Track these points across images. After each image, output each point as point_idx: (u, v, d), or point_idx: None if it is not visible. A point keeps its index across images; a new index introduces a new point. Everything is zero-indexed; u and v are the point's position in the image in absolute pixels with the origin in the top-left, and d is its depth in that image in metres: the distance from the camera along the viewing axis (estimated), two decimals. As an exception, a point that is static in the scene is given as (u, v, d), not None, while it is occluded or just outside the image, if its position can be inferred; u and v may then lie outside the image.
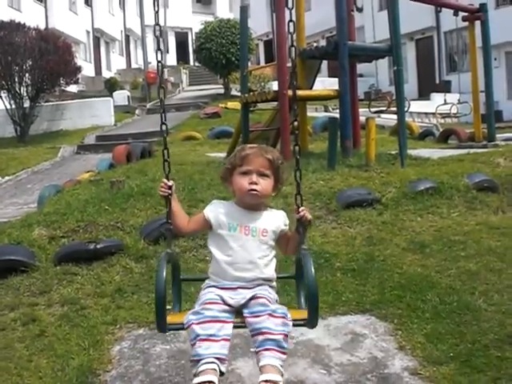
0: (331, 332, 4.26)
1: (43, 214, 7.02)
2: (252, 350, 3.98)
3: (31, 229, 6.45)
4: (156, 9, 3.00)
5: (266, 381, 2.51)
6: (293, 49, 3.19)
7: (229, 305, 2.69)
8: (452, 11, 12.79)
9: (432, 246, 5.81)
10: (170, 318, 2.77)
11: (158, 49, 3.00)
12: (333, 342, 4.11)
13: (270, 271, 2.83)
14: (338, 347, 4.03)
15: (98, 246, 5.78)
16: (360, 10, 31.05)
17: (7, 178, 14.53)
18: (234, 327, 2.70)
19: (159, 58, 3.00)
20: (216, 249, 2.82)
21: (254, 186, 2.75)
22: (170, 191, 2.89)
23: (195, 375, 2.53)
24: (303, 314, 2.78)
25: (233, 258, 2.76)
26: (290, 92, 9.06)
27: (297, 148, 3.00)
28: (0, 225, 7.40)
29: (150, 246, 5.92)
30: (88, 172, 11.52)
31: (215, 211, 2.86)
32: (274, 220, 2.86)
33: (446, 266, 5.31)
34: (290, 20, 3.13)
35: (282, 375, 2.59)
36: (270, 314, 2.61)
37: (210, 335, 2.55)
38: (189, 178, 7.87)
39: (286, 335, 2.61)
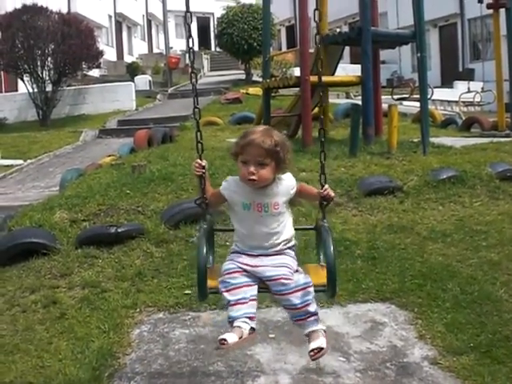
0: (351, 320, 4.25)
1: (65, 198, 7.06)
2: (271, 335, 4.02)
3: (53, 212, 6.49)
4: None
5: (312, 350, 2.77)
6: (317, 36, 3.27)
7: (248, 273, 2.87)
8: (477, -2, 12.61)
9: (453, 236, 5.76)
10: (209, 283, 2.92)
11: (190, 36, 3.10)
12: (352, 329, 4.10)
13: (287, 234, 2.98)
14: (357, 335, 4.02)
15: (119, 230, 5.81)
16: (384, -5, 30.67)
17: (29, 161, 14.63)
18: (264, 291, 2.86)
19: (190, 45, 3.12)
20: (236, 222, 3.03)
21: (251, 177, 2.86)
22: (203, 170, 3.05)
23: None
24: (322, 277, 2.91)
25: (251, 232, 2.95)
26: (312, 78, 9.01)
27: (322, 131, 3.14)
28: (22, 208, 7.46)
29: (170, 231, 5.93)
30: (109, 156, 11.55)
31: (229, 189, 3.01)
32: (283, 189, 2.97)
33: (468, 255, 5.27)
34: (316, 8, 3.17)
35: (325, 331, 2.84)
36: (292, 292, 2.79)
37: (239, 299, 2.77)
38: (210, 163, 7.73)
39: (310, 303, 2.80)
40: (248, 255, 2.94)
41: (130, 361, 3.82)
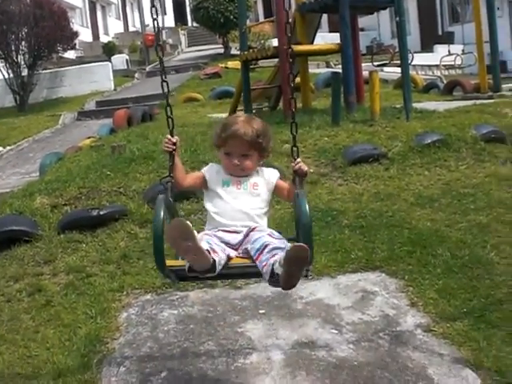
0: (341, 291, 4.19)
1: (44, 183, 6.92)
2: (261, 311, 3.96)
3: (33, 198, 6.36)
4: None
5: (288, 251, 2.46)
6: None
7: (228, 244, 2.74)
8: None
9: (441, 200, 5.71)
10: (170, 262, 2.74)
11: (153, 5, 2.94)
12: (343, 300, 4.04)
13: (264, 223, 2.89)
14: (348, 306, 3.97)
15: (102, 213, 5.69)
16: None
17: (8, 147, 14.43)
18: (238, 267, 2.72)
19: (154, 16, 2.94)
20: (210, 203, 2.91)
21: (236, 167, 2.87)
22: (174, 147, 2.92)
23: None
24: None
25: (226, 208, 2.84)
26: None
27: (292, 101, 3.01)
28: (2, 195, 7.33)
29: (153, 211, 5.82)
30: (89, 138, 11.39)
31: (212, 170, 2.97)
32: (265, 176, 2.95)
33: (456, 219, 5.21)
34: None
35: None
36: (270, 235, 2.71)
37: (208, 242, 2.62)
38: (191, 139, 7.73)
39: (281, 240, 2.70)
40: (223, 231, 2.80)
41: (118, 345, 3.74)
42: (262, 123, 2.96)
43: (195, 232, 2.51)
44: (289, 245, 2.62)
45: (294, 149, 2.90)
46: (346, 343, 3.51)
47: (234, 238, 2.77)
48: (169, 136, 2.94)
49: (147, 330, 3.92)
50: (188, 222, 2.48)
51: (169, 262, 2.73)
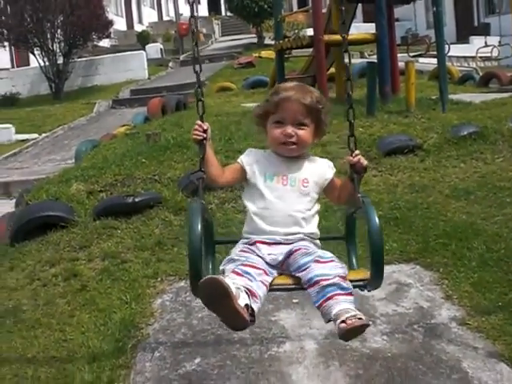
0: (375, 282, 4.17)
1: (80, 169, 7.01)
2: (295, 300, 3.96)
3: (69, 184, 6.45)
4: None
5: (345, 319, 2.10)
6: None
7: (267, 262, 2.32)
8: None
9: (477, 193, 5.64)
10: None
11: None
12: (377, 292, 3.98)
13: (312, 227, 2.45)
14: (382, 297, 3.95)
15: (137, 200, 5.75)
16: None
17: (44, 134, 14.65)
18: (280, 289, 2.43)
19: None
20: (250, 202, 2.47)
21: (289, 139, 2.41)
22: (204, 135, 2.46)
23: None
24: (361, 273, 2.39)
25: (268, 211, 2.40)
26: (325, 37, 8.83)
27: (349, 83, 2.58)
28: (38, 181, 7.44)
29: (188, 198, 5.86)
30: (124, 126, 11.50)
31: (250, 159, 2.51)
32: (317, 169, 2.50)
33: (492, 212, 5.15)
34: None
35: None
36: (317, 261, 2.23)
37: (247, 272, 2.19)
38: (225, 128, 7.76)
39: (344, 277, 2.20)
40: (262, 243, 2.38)
41: (153, 331, 3.79)
42: (319, 93, 2.53)
43: (232, 288, 2.06)
44: (344, 268, 2.24)
45: (351, 139, 2.50)
46: (380, 334, 3.51)
47: (274, 259, 2.32)
48: (199, 122, 2.48)
49: (181, 316, 3.96)
50: (224, 280, 2.07)
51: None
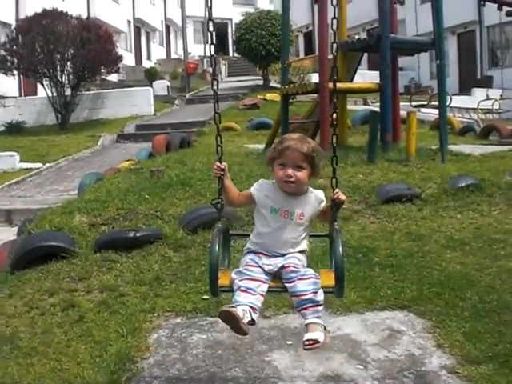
0: (369, 327, 4.24)
1: (84, 201, 7.11)
2: (289, 342, 4.02)
3: (72, 215, 6.55)
4: (209, 5, 3.19)
5: (308, 339, 2.88)
6: (335, 45, 3.35)
7: (265, 271, 3.04)
8: (495, 5, 12.55)
9: (472, 244, 5.73)
10: (220, 281, 3.06)
11: (212, 43, 3.22)
12: (370, 337, 4.09)
13: (302, 246, 3.15)
14: (375, 343, 4.01)
15: (138, 235, 5.85)
16: (402, 2, 30.80)
17: (48, 164, 14.77)
18: (271, 291, 3.03)
19: (212, 52, 3.24)
20: (258, 223, 3.17)
21: (289, 179, 3.01)
22: (222, 173, 3.18)
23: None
24: (331, 279, 3.02)
25: (271, 235, 3.10)
26: (330, 84, 9.01)
27: (334, 137, 3.21)
28: (41, 211, 7.53)
29: (188, 236, 5.96)
30: (128, 161, 11.65)
31: (260, 192, 3.15)
32: (312, 204, 3.14)
33: (486, 264, 5.23)
34: (334, 17, 3.25)
35: (325, 328, 2.94)
36: (300, 278, 2.95)
37: (249, 288, 2.94)
38: (227, 168, 7.85)
39: (316, 292, 2.93)
40: (262, 254, 3.10)
41: (147, 365, 3.84)
42: (316, 143, 3.16)
43: (240, 315, 2.82)
44: (318, 283, 2.96)
45: (334, 180, 3.13)
46: (371, 379, 3.56)
47: (271, 269, 3.05)
48: (218, 163, 3.19)
49: (176, 352, 4.01)
50: (236, 312, 2.82)
51: (220, 282, 3.06)
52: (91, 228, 6.27)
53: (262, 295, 2.98)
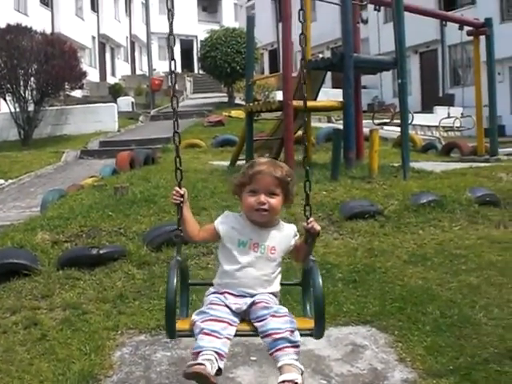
0: (332, 343, 4.27)
1: (46, 218, 7.04)
2: (253, 358, 4.03)
3: (34, 232, 6.48)
4: (170, 20, 2.97)
5: (284, 381, 2.49)
6: (302, 61, 3.24)
7: (232, 310, 2.71)
8: (457, 25, 12.85)
9: (433, 259, 5.83)
10: (179, 325, 2.74)
11: (172, 58, 2.97)
12: (333, 352, 4.12)
13: (275, 287, 2.84)
14: (338, 358, 4.05)
15: (101, 252, 5.81)
16: (365, 22, 31.27)
17: (10, 181, 14.56)
18: (239, 335, 2.72)
19: (173, 68, 2.97)
20: (224, 261, 2.83)
21: (262, 206, 2.75)
22: (182, 199, 2.87)
23: (191, 365, 2.50)
24: (309, 323, 2.76)
25: (239, 273, 2.77)
26: (294, 102, 9.11)
27: (306, 159, 3.00)
28: (3, 228, 7.43)
29: (152, 253, 5.94)
30: (91, 177, 11.54)
31: (226, 224, 2.85)
32: (284, 237, 2.86)
33: (447, 279, 5.33)
34: (302, 33, 3.09)
35: (302, 372, 2.57)
36: (273, 315, 2.63)
37: (214, 331, 2.57)
38: (192, 185, 7.89)
39: (293, 331, 2.60)
40: (230, 294, 2.77)
41: (111, 383, 3.81)
42: (288, 167, 2.90)
43: (209, 371, 2.46)
44: (294, 323, 2.62)
45: (307, 207, 2.88)
46: (334, 394, 3.59)
47: (238, 309, 2.71)
48: (177, 188, 2.89)
49: (140, 369, 3.99)
50: (205, 371, 2.45)
51: (178, 326, 2.73)
52: (54, 245, 6.21)
53: (229, 339, 2.61)
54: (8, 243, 6.27)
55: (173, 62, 2.97)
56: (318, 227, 2.85)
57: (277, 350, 2.56)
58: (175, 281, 2.70)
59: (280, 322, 2.61)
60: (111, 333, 4.53)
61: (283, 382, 2.49)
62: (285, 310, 2.69)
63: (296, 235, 2.90)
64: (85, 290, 5.36)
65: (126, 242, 6.21)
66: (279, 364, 2.54)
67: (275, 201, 2.77)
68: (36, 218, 7.37)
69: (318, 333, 2.74)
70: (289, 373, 2.51)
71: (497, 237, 6.51)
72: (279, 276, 2.88)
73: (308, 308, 2.95)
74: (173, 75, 2.99)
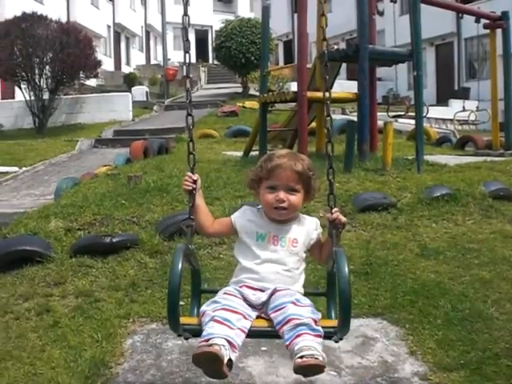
0: (343, 334, 4.27)
1: (60, 206, 7.08)
2: (263, 348, 4.04)
3: (48, 220, 6.52)
4: (184, 12, 2.90)
5: (302, 356, 2.25)
6: (324, 54, 3.06)
7: (249, 303, 2.50)
8: (473, 18, 12.74)
9: (446, 253, 5.80)
10: (183, 319, 2.56)
11: (186, 52, 2.89)
12: (344, 344, 4.10)
13: (298, 286, 2.63)
14: (348, 350, 4.04)
15: (114, 240, 5.83)
16: (381, 13, 31.08)
17: (24, 168, 14.65)
18: (254, 333, 2.49)
19: (187, 60, 2.88)
20: (242, 257, 2.64)
21: (281, 204, 2.56)
22: (194, 185, 2.70)
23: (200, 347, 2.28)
24: (332, 322, 2.58)
25: (260, 268, 2.58)
26: (309, 93, 9.09)
27: (329, 145, 2.85)
28: (17, 215, 7.47)
29: (164, 242, 5.96)
30: (105, 166, 11.59)
31: (243, 218, 2.69)
32: (305, 229, 2.68)
33: (460, 273, 5.30)
34: (321, 26, 2.99)
35: (323, 357, 2.33)
36: (294, 303, 2.41)
37: (226, 320, 2.33)
38: (205, 175, 7.89)
39: (316, 321, 2.39)
40: (248, 287, 2.57)
41: (122, 370, 3.83)
42: (309, 160, 2.71)
43: (223, 357, 2.23)
44: (318, 314, 2.42)
45: (331, 196, 2.70)
46: (344, 386, 3.60)
47: (258, 298, 2.50)
48: (189, 173, 2.73)
49: (151, 357, 4.01)
50: (218, 352, 2.23)
51: (183, 320, 2.54)
52: (67, 233, 6.24)
53: (244, 331, 2.34)
54: (22, 230, 6.32)
55: (187, 55, 2.92)
56: (343, 218, 2.64)
57: (296, 337, 2.31)
58: (180, 266, 2.41)
59: (302, 310, 2.39)
60: (123, 321, 4.56)
61: (301, 357, 2.25)
62: (308, 301, 2.49)
63: (318, 229, 2.71)
64: (97, 278, 5.39)
65: (139, 230, 6.23)
66: (297, 346, 2.27)
67: (295, 198, 2.58)
68: (50, 206, 7.40)
69: (342, 329, 2.48)
70: (307, 351, 2.26)
71: (510, 231, 6.45)
72: (303, 275, 2.67)
73: (333, 314, 2.72)
74: (187, 65, 2.91)
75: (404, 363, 3.85)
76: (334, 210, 2.64)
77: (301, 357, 2.24)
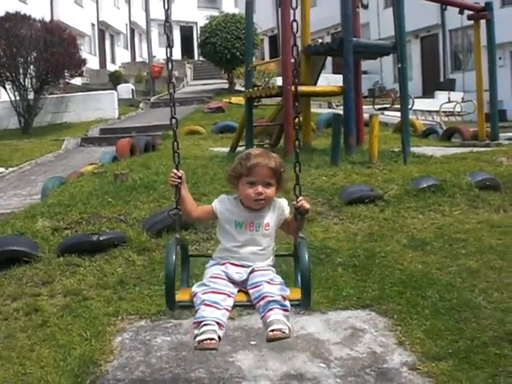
0: (331, 326, 4.29)
1: (47, 206, 7.05)
2: (252, 342, 4.05)
3: (35, 220, 6.49)
4: (166, 7, 3.11)
5: (272, 330, 2.71)
6: (295, 48, 3.32)
7: (233, 281, 2.94)
8: (457, 9, 12.78)
9: (433, 244, 5.84)
10: (178, 296, 2.94)
11: (169, 46, 3.12)
12: (333, 336, 4.14)
13: (270, 261, 3.09)
14: (337, 341, 4.06)
15: (101, 238, 5.82)
16: (365, 6, 31.14)
17: (11, 169, 14.56)
18: (236, 305, 2.92)
19: (169, 55, 3.15)
20: (223, 239, 3.07)
21: (260, 197, 2.96)
22: (179, 181, 3.04)
23: (198, 335, 2.75)
24: (297, 294, 2.93)
25: (238, 249, 3.01)
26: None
27: (297, 142, 3.19)
28: (3, 216, 7.44)
29: (152, 239, 5.95)
30: (91, 164, 11.54)
31: (223, 207, 3.06)
32: (276, 211, 3.08)
33: (447, 263, 5.34)
34: (293, 20, 3.27)
35: (289, 328, 2.76)
36: (268, 282, 2.85)
37: (214, 302, 2.80)
38: (192, 172, 7.90)
39: (285, 298, 2.83)
40: (231, 264, 3.00)
41: (111, 368, 3.83)
42: (279, 157, 3.10)
43: (218, 345, 2.74)
44: (286, 291, 2.85)
45: (297, 187, 3.07)
46: (334, 377, 3.61)
47: (240, 277, 2.95)
48: (174, 170, 3.05)
49: (140, 354, 4.01)
50: (216, 344, 2.72)
51: (178, 297, 2.93)
52: (54, 232, 6.22)
53: (228, 310, 2.84)
54: (8, 230, 6.29)
55: (169, 50, 3.11)
56: (307, 205, 3.05)
57: (268, 311, 2.77)
58: (174, 255, 2.88)
59: (274, 288, 2.83)
60: (112, 318, 4.55)
61: (272, 330, 2.72)
62: (280, 279, 2.93)
63: (286, 209, 3.10)
64: (85, 277, 5.38)
65: (126, 228, 6.22)
66: (268, 319, 2.76)
67: (271, 190, 2.99)
68: (36, 206, 7.38)
69: (304, 303, 2.95)
70: (277, 325, 2.72)
71: (497, 221, 6.51)
72: (273, 247, 3.12)
73: (299, 278, 3.07)
74: (169, 61, 3.13)
75: (393, 354, 3.87)
76: (299, 199, 3.03)
77: (272, 330, 2.72)
